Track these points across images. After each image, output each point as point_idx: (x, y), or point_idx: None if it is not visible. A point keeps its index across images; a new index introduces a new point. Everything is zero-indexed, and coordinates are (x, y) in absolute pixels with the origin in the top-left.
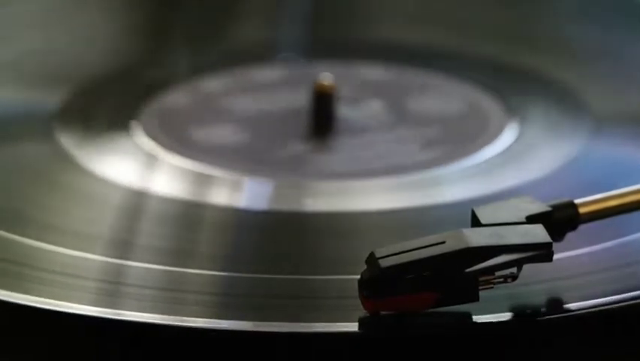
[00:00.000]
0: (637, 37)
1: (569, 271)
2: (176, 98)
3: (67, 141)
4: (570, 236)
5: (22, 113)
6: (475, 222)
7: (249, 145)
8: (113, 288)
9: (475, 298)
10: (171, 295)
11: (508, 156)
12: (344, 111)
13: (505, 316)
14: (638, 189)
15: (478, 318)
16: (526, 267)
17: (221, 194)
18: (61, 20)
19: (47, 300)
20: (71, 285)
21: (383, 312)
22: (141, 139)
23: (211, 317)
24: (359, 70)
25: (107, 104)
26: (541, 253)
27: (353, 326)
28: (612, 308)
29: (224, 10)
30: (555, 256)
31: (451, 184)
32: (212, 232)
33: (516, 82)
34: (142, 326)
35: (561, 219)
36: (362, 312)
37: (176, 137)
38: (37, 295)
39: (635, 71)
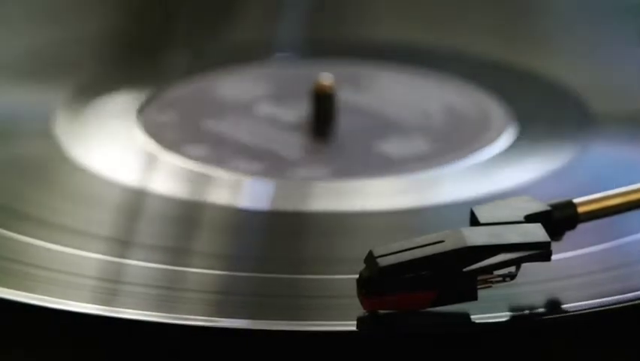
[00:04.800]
0: (637, 37)
1: (568, 270)
2: (176, 97)
3: (67, 140)
4: (569, 235)
5: (22, 111)
6: (474, 221)
7: (249, 145)
8: (112, 286)
9: (473, 297)
10: (170, 293)
11: (508, 156)
12: (343, 111)
13: (504, 315)
14: (638, 188)
15: (476, 317)
16: (524, 266)
17: (221, 193)
18: (60, 20)
19: (46, 298)
20: (70, 283)
21: (382, 311)
22: (141, 138)
23: (210, 316)
24: (359, 70)
25: (107, 102)
26: (540, 252)
27: (352, 325)
28: (612, 308)
29: (224, 9)
30: (554, 256)
31: (451, 184)
32: (212, 231)
33: (516, 82)
34: (141, 324)
35: (560, 219)
36: (361, 311)
37: (175, 136)
38: (36, 293)
39: (635, 71)
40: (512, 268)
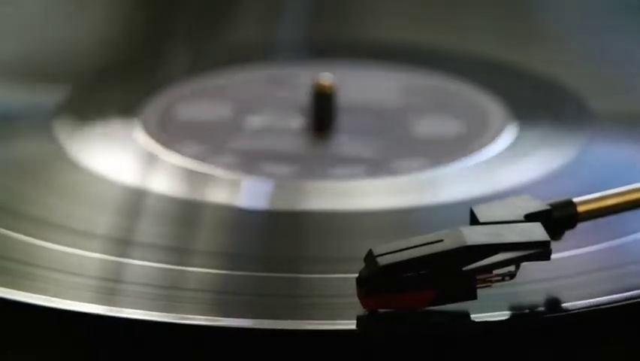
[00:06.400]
0: (637, 37)
1: (568, 269)
2: (176, 96)
3: (67, 139)
4: (569, 235)
5: (22, 111)
6: (474, 220)
7: (249, 144)
8: (111, 286)
9: (472, 296)
10: (170, 293)
11: (508, 156)
12: (343, 111)
13: (503, 315)
14: (637, 187)
15: (475, 317)
16: (524, 265)
17: (221, 193)
18: (60, 18)
19: (46, 297)
20: (70, 283)
21: (381, 310)
22: (141, 137)
23: (210, 315)
24: (359, 70)
25: (107, 102)
26: (540, 251)
27: (351, 324)
28: (611, 308)
29: (224, 8)
30: (553, 255)
31: (451, 184)
32: (212, 230)
33: (516, 81)
34: (141, 323)
35: (560, 218)
36: (360, 310)
37: (175, 135)
38: (35, 293)
39: (635, 71)
40: (512, 268)
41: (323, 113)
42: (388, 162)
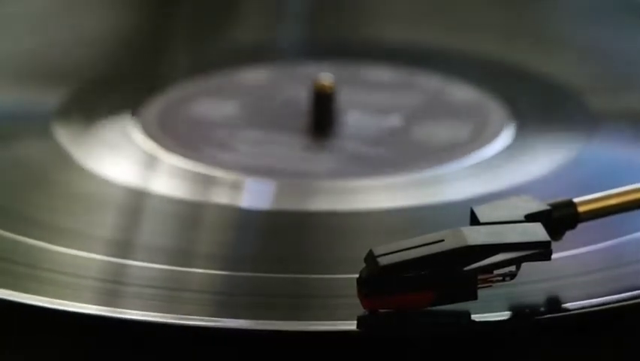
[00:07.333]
0: (637, 36)
1: (568, 270)
2: (176, 98)
3: (67, 141)
4: (569, 235)
5: (22, 112)
6: (474, 220)
7: (249, 145)
8: (113, 287)
9: (473, 296)
10: (172, 294)
11: (508, 156)
12: (344, 111)
13: (504, 315)
14: (637, 187)
15: (476, 317)
16: (524, 266)
17: (221, 194)
18: (60, 19)
19: (47, 299)
20: (71, 284)
21: (382, 310)
22: (141, 139)
23: (211, 316)
24: (359, 70)
25: (107, 103)
26: (540, 251)
27: (352, 325)
28: (611, 308)
29: (224, 9)
30: (554, 255)
31: (451, 184)
32: (213, 231)
33: (516, 82)
34: (142, 324)
35: (560, 218)
36: (361, 311)
37: (175, 136)
38: (36, 295)
39: (635, 71)
40: (512, 268)
41: (323, 113)
42: (388, 162)
